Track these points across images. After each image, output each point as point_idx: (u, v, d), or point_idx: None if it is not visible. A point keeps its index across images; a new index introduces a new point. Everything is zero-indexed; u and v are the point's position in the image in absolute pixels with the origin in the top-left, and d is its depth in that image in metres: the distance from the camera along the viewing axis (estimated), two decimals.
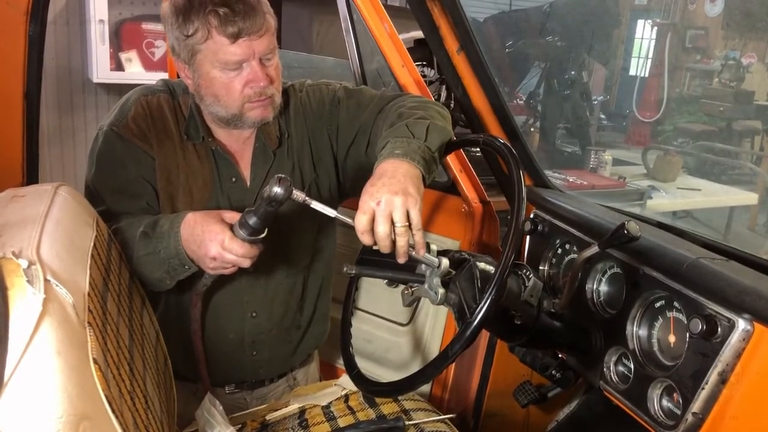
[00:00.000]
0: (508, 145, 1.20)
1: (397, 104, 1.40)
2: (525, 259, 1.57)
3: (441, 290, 1.17)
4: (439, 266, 1.16)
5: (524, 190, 1.11)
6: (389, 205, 1.08)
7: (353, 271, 1.23)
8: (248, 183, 1.45)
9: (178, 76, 1.44)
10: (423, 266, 1.18)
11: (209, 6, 1.24)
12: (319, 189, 1.50)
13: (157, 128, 1.39)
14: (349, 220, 1.11)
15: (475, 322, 1.02)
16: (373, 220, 1.08)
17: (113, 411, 0.77)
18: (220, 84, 1.30)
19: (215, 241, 1.22)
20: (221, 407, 1.31)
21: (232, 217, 1.25)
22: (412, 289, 1.25)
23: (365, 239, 1.10)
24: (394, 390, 1.18)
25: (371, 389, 1.25)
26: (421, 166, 1.17)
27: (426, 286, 1.18)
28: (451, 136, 1.33)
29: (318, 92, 1.51)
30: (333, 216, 1.14)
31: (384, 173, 1.13)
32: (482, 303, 1.02)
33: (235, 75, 1.29)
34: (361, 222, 1.08)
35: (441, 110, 1.38)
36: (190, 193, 1.40)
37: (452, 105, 3.14)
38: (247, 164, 1.45)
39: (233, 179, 1.44)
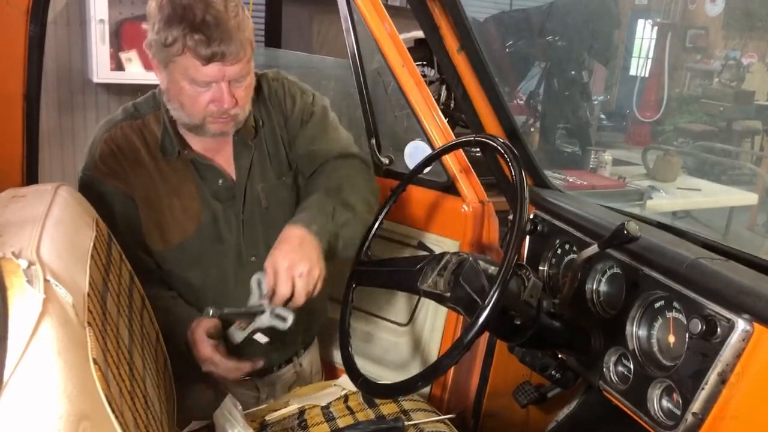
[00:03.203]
0: (509, 145, 1.21)
1: (346, 171, 1.49)
2: (525, 259, 1.57)
3: (289, 314, 1.28)
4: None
5: (526, 189, 1.11)
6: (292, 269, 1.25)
7: (210, 313, 1.33)
8: (234, 178, 1.47)
9: None
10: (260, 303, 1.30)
11: (188, 27, 1.25)
12: (295, 173, 1.55)
13: (128, 161, 1.40)
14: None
15: (489, 306, 1.03)
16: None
17: (113, 411, 0.77)
18: (187, 95, 1.32)
19: (206, 362, 1.34)
20: (240, 407, 1.32)
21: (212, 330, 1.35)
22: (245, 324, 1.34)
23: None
24: (406, 387, 1.18)
25: (381, 392, 1.25)
26: (323, 245, 1.30)
27: (267, 314, 1.29)
28: (362, 233, 1.45)
29: (292, 94, 1.54)
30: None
31: (289, 239, 1.29)
32: (495, 287, 1.04)
33: (203, 91, 1.31)
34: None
35: (373, 201, 1.48)
36: (178, 212, 1.43)
37: (452, 105, 3.14)
38: (229, 160, 1.47)
39: (219, 181, 1.46)
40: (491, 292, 1.04)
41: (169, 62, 1.30)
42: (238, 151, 1.47)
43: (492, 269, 1.19)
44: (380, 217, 1.49)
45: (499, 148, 1.22)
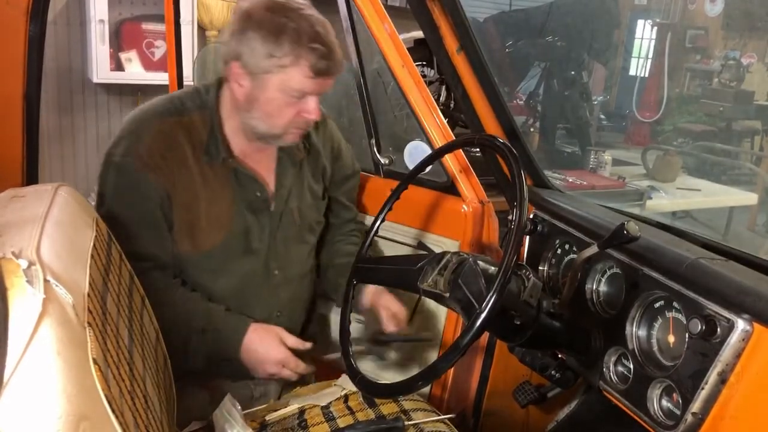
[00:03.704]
0: (509, 145, 1.21)
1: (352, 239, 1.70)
2: (525, 260, 1.57)
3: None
4: None
5: (526, 189, 1.11)
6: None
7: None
8: (272, 191, 1.49)
9: (179, 77, 1.44)
10: None
11: (306, 39, 1.28)
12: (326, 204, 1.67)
13: (173, 158, 1.37)
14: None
15: (486, 311, 1.03)
16: None
17: (113, 411, 0.77)
18: (277, 105, 1.34)
19: (277, 365, 1.41)
20: (240, 407, 1.32)
21: (293, 342, 1.43)
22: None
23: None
24: (406, 387, 1.18)
25: (379, 392, 1.25)
26: None
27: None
28: None
29: (344, 142, 1.69)
30: None
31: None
32: (492, 291, 1.04)
33: (293, 102, 1.34)
34: None
35: None
36: (212, 218, 1.42)
37: (452, 105, 3.14)
38: (269, 172, 1.49)
39: (257, 193, 1.46)
40: (488, 296, 1.03)
41: (270, 72, 1.31)
42: (283, 166, 1.50)
43: (491, 270, 1.19)
44: (380, 217, 1.49)
45: (498, 148, 1.22)
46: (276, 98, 1.33)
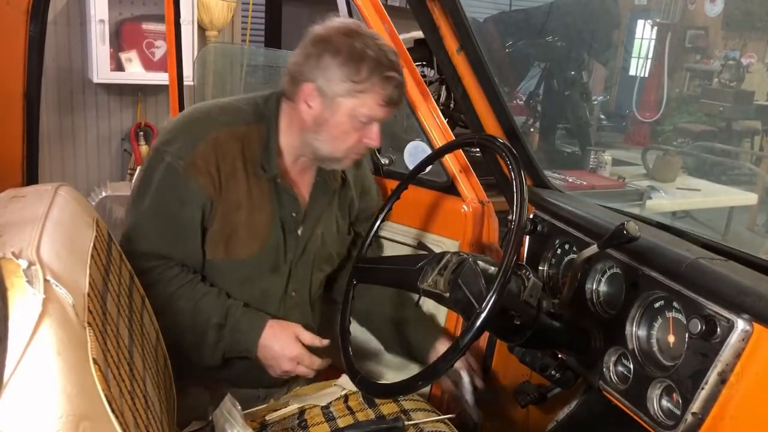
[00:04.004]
0: (509, 145, 1.21)
1: None
2: (524, 260, 1.57)
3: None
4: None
5: (526, 189, 1.12)
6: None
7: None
8: (304, 215, 1.50)
9: (179, 77, 1.44)
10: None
11: (383, 68, 1.32)
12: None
13: (225, 168, 1.39)
14: None
15: (486, 311, 1.03)
16: None
17: (113, 411, 0.77)
18: (343, 129, 1.37)
19: (292, 361, 1.42)
20: (240, 407, 1.32)
21: (310, 339, 1.43)
22: None
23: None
24: (406, 387, 1.19)
25: (379, 392, 1.25)
26: None
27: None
28: None
29: (374, 182, 1.72)
30: None
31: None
32: (492, 291, 1.04)
33: (359, 127, 1.38)
34: None
35: None
36: (251, 230, 1.43)
37: (452, 105, 3.14)
38: (306, 196, 1.51)
39: (293, 213, 1.48)
40: (488, 296, 1.04)
41: (345, 96, 1.34)
42: (318, 191, 1.53)
43: (491, 270, 1.19)
44: (380, 217, 1.49)
45: (498, 148, 1.22)
46: (344, 122, 1.36)
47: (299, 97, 1.38)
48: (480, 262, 1.20)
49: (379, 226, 1.50)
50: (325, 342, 1.45)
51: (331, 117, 1.37)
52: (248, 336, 1.41)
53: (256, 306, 1.48)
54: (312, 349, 1.45)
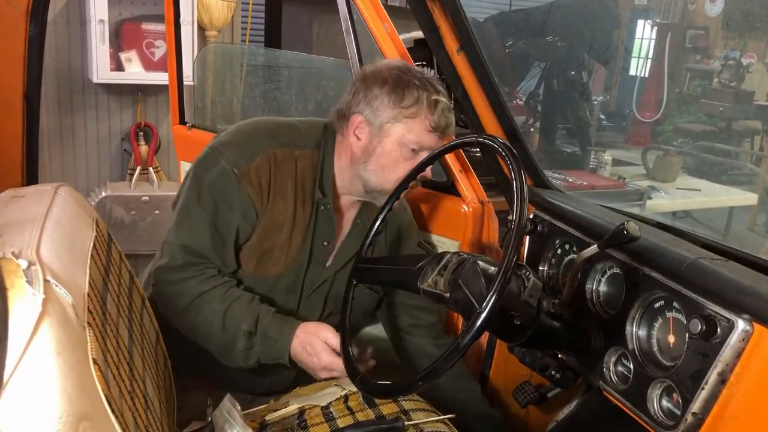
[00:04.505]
0: (509, 145, 1.21)
1: None
2: (525, 259, 1.57)
3: None
4: None
5: (526, 189, 1.12)
6: None
7: None
8: (334, 253, 1.50)
9: (179, 77, 1.44)
10: None
11: (430, 94, 1.34)
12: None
13: (277, 186, 1.41)
14: None
15: (486, 311, 1.03)
16: None
17: (113, 411, 0.77)
18: (392, 158, 1.38)
19: (325, 370, 1.38)
20: (240, 407, 1.32)
21: (336, 343, 1.36)
22: None
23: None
24: (406, 387, 1.18)
25: (379, 392, 1.25)
26: None
27: None
28: None
29: (414, 231, 1.65)
30: None
31: None
32: (492, 291, 1.04)
33: (409, 157, 1.39)
34: None
35: None
36: (284, 251, 1.44)
37: (452, 105, 3.13)
38: (343, 232, 1.52)
39: (325, 243, 1.48)
40: (488, 296, 1.04)
41: (393, 122, 1.35)
42: (357, 232, 1.52)
43: (491, 270, 1.19)
44: (381, 217, 1.49)
45: (498, 148, 1.22)
46: (393, 150, 1.38)
47: (349, 130, 1.41)
48: (480, 262, 1.19)
49: (378, 226, 1.49)
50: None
51: (380, 145, 1.38)
52: (278, 344, 1.39)
53: None
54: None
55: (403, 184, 1.49)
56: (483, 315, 1.03)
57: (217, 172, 1.38)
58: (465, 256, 1.24)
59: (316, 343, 1.37)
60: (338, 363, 1.36)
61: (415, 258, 1.33)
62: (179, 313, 1.41)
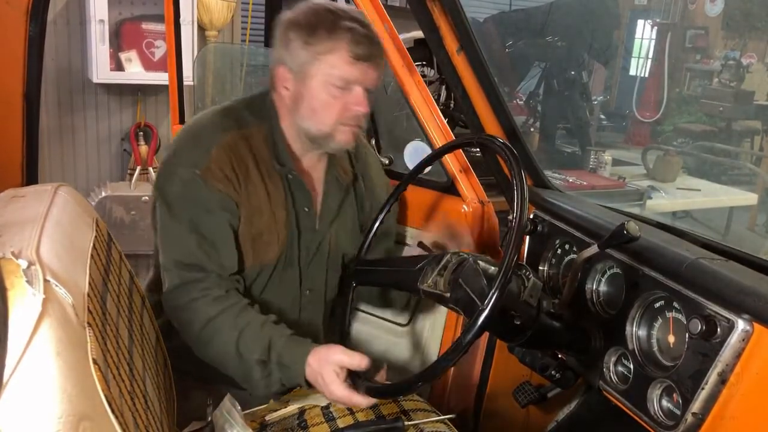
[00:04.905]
0: (509, 145, 1.21)
1: None
2: (525, 260, 1.57)
3: None
4: None
5: (526, 189, 1.11)
6: None
7: None
8: (318, 213, 1.48)
9: (179, 77, 1.44)
10: None
11: (344, 22, 1.27)
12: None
13: (241, 172, 1.37)
14: None
15: (488, 308, 1.03)
16: None
17: (113, 411, 0.77)
18: (321, 100, 1.32)
19: (341, 400, 1.26)
20: (240, 407, 1.32)
21: (352, 365, 1.25)
22: None
23: None
24: (406, 387, 1.18)
25: (379, 392, 1.25)
26: None
27: None
28: None
29: (381, 169, 1.65)
30: None
31: None
32: (493, 289, 1.03)
33: (339, 94, 1.32)
34: None
35: None
36: (272, 231, 1.41)
37: (452, 105, 3.13)
38: (318, 192, 1.48)
39: (306, 209, 1.45)
40: (490, 294, 1.04)
41: (311, 63, 1.30)
42: (332, 188, 1.50)
43: (492, 269, 1.19)
44: (380, 217, 1.49)
45: (498, 148, 1.22)
46: (320, 92, 1.32)
47: (278, 84, 1.37)
48: (480, 262, 1.19)
49: (378, 226, 1.49)
50: (365, 361, 1.27)
51: (306, 90, 1.32)
52: (293, 370, 1.31)
53: (272, 307, 1.44)
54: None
55: (403, 185, 1.49)
56: (485, 312, 1.03)
57: (178, 181, 1.34)
58: (465, 256, 1.24)
59: (327, 374, 1.27)
60: (350, 397, 1.26)
61: (415, 259, 1.33)
62: (194, 342, 1.37)
